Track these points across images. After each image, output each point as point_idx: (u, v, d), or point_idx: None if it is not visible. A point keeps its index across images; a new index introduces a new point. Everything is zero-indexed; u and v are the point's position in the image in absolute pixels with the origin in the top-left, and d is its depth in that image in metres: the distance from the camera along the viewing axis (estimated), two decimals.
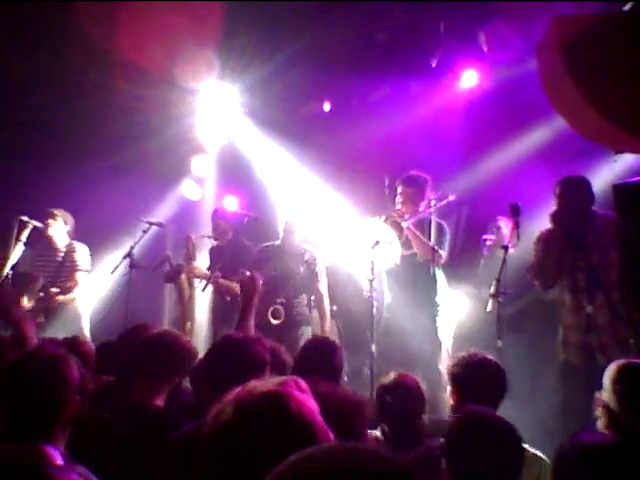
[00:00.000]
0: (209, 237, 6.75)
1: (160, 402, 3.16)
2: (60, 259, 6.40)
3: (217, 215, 6.88)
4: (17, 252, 6.09)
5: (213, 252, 6.86)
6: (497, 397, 3.04)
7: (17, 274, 6.08)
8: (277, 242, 6.51)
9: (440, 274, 5.86)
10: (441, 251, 5.71)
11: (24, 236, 6.10)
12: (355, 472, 0.87)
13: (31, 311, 6.18)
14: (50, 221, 6.33)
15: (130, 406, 3.11)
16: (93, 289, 6.86)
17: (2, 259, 6.07)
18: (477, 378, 3.01)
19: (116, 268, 6.34)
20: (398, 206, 5.86)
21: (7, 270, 6.01)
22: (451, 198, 5.84)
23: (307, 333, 6.17)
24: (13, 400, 2.14)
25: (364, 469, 0.88)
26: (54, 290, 6.29)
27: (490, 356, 3.24)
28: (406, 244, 5.83)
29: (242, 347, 2.88)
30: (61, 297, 6.31)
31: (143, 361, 3.21)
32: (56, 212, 6.41)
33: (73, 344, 3.82)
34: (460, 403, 3.03)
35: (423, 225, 5.78)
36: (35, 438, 2.09)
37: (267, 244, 6.58)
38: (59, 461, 2.09)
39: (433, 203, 5.71)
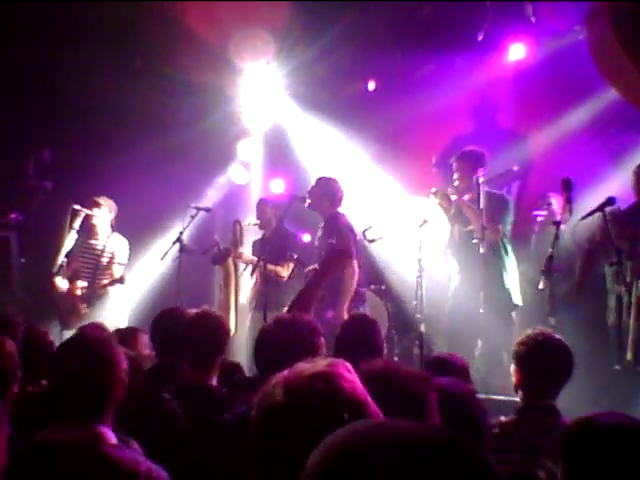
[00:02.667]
0: (255, 225, 6.80)
1: (214, 382, 3.23)
2: (100, 249, 6.46)
3: (262, 204, 6.94)
4: (70, 240, 6.19)
5: (257, 244, 6.94)
6: (562, 378, 2.96)
7: (69, 262, 6.19)
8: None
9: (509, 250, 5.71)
10: (499, 225, 5.56)
11: (77, 224, 6.20)
12: (410, 443, 0.86)
13: (77, 301, 6.30)
14: (95, 210, 6.39)
15: (190, 387, 3.17)
16: (131, 282, 6.91)
17: (57, 247, 6.18)
18: (542, 357, 2.94)
19: (166, 254, 6.41)
20: (455, 183, 5.75)
21: (62, 258, 6.12)
22: (515, 169, 5.71)
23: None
24: (67, 383, 2.19)
25: (421, 440, 0.87)
26: (104, 282, 6.38)
27: (557, 335, 3.16)
28: (463, 220, 5.72)
29: (293, 329, 2.88)
30: (108, 287, 6.39)
31: (190, 342, 3.27)
32: (101, 201, 6.45)
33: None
34: (523, 382, 2.98)
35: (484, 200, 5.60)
36: (89, 419, 2.14)
37: None
38: (113, 440, 2.15)
39: (481, 177, 5.52)
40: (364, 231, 6.08)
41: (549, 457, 2.52)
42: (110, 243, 6.46)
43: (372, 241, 6.11)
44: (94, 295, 6.34)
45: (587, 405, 4.28)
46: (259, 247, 6.79)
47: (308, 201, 6.15)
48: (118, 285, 6.41)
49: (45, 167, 7.98)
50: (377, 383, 1.58)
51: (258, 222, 6.82)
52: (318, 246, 6.20)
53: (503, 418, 2.93)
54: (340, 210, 6.20)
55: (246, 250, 6.87)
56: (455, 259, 5.87)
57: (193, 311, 3.54)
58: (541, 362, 2.95)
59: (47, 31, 6.85)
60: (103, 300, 6.37)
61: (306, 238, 7.48)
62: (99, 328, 2.61)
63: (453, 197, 5.67)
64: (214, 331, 3.31)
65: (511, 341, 5.38)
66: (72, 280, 6.36)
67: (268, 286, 6.13)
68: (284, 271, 6.52)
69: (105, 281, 6.40)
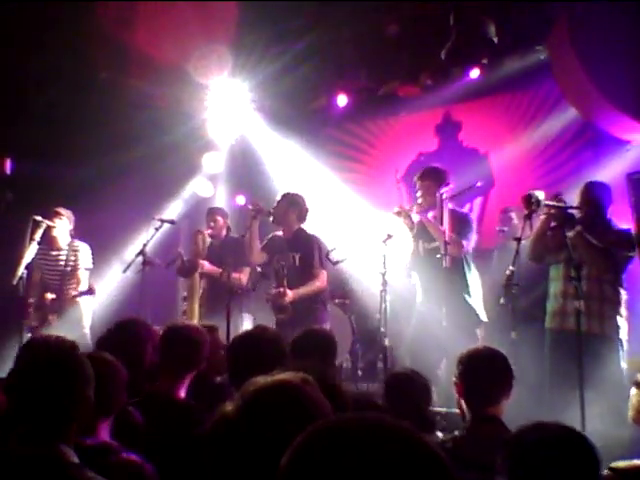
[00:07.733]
0: (209, 235, 6.76)
1: (183, 393, 3.22)
2: (63, 258, 6.43)
3: (213, 213, 6.89)
4: (31, 252, 6.11)
5: (209, 250, 6.80)
6: (498, 389, 2.99)
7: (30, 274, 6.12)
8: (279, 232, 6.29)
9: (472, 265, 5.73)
10: (464, 241, 5.57)
11: (38, 235, 6.12)
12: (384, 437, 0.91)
13: (45, 310, 6.26)
14: (56, 220, 6.35)
15: (155, 398, 3.15)
16: (97, 293, 6.86)
17: (17, 259, 6.09)
18: (477, 370, 2.99)
19: (129, 266, 6.36)
20: (419, 200, 5.75)
21: (22, 270, 6.03)
22: (478, 184, 5.74)
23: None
24: (28, 400, 2.13)
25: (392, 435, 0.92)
26: (73, 293, 6.34)
27: (497, 349, 3.20)
28: (427, 237, 5.72)
29: (258, 342, 2.94)
30: (77, 298, 6.38)
31: (168, 356, 3.26)
32: (62, 211, 6.42)
33: None
34: (462, 395, 3.01)
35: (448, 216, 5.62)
36: (50, 438, 2.07)
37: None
38: (74, 459, 2.09)
39: (444, 193, 5.54)
40: (328, 253, 6.05)
41: (501, 474, 2.54)
42: (72, 250, 6.43)
43: (336, 263, 6.10)
44: (63, 305, 6.30)
45: (548, 416, 4.32)
46: (215, 255, 6.69)
47: (272, 216, 6.11)
48: (88, 296, 6.40)
49: (6, 178, 7.87)
50: None
51: (210, 231, 6.77)
52: (282, 261, 6.10)
53: (457, 432, 2.95)
54: (304, 226, 6.19)
55: None
56: (419, 275, 5.88)
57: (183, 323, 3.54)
58: (475, 374, 2.99)
59: (10, 42, 6.77)
60: (71, 310, 6.33)
61: None
62: (63, 340, 2.51)
63: (415, 217, 5.67)
64: (191, 347, 3.27)
65: None
66: (39, 292, 6.32)
67: (231, 296, 6.08)
68: (244, 278, 6.50)
69: (74, 292, 6.35)
